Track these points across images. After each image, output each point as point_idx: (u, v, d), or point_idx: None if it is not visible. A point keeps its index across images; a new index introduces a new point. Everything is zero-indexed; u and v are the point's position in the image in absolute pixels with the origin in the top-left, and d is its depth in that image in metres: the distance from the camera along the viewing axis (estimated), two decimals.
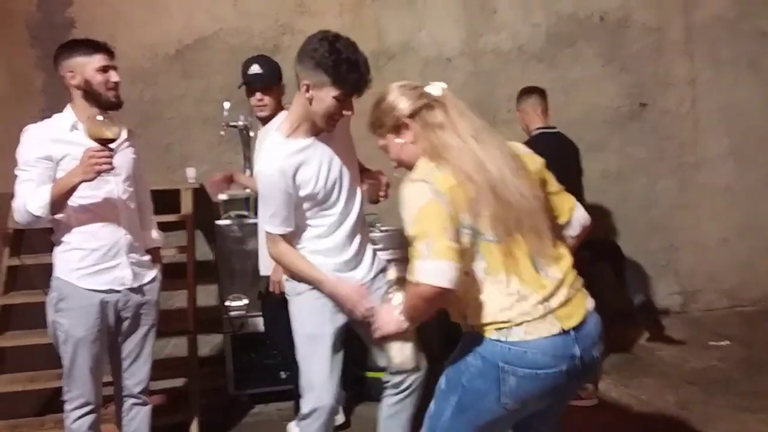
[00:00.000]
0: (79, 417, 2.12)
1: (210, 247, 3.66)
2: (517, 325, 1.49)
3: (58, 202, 1.98)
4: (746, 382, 3.24)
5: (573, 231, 1.70)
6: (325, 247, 2.01)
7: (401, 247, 3.16)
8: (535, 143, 2.62)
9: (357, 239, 2.06)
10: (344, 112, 1.88)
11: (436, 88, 1.61)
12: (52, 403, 2.96)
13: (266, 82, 2.68)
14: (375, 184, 2.18)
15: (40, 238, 2.76)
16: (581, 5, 4.33)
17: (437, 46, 4.17)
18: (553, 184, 1.67)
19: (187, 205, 3.28)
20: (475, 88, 4.14)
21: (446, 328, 1.82)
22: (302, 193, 1.92)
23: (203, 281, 3.26)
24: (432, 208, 1.45)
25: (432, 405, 1.66)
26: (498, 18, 4.24)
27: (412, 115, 1.60)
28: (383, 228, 3.36)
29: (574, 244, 1.70)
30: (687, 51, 4.48)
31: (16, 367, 2.90)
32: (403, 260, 3.31)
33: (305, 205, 1.95)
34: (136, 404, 2.26)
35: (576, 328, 1.52)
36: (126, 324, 2.18)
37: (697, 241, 4.52)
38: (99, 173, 1.94)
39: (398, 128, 1.62)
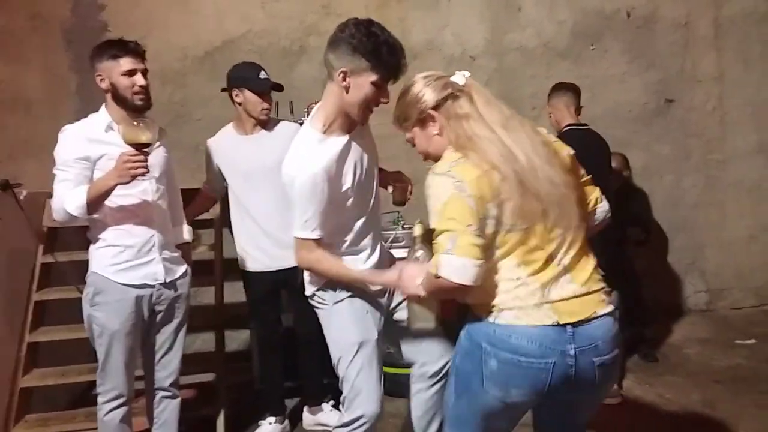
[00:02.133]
0: (112, 410, 2.19)
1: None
2: (509, 309, 1.46)
3: (95, 203, 2.04)
4: None
5: (594, 222, 1.68)
6: (352, 248, 1.97)
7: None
8: (565, 139, 2.62)
9: (371, 236, 2.03)
10: (381, 100, 1.84)
11: (460, 78, 1.59)
12: (83, 397, 3.05)
13: (274, 88, 2.75)
14: (402, 187, 2.18)
15: (75, 236, 2.85)
16: (608, 1, 4.30)
17: (461, 45, 4.18)
18: (582, 174, 1.65)
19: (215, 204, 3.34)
20: (499, 86, 4.14)
21: None
22: (337, 194, 1.87)
23: (231, 278, 3.32)
24: (456, 203, 1.43)
25: (448, 383, 1.67)
26: (523, 15, 4.23)
27: (437, 107, 1.57)
28: (406, 225, 3.39)
29: (590, 234, 1.66)
30: (715, 46, 4.42)
31: (48, 362, 2.98)
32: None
33: (336, 206, 1.88)
34: (166, 397, 2.33)
35: (575, 326, 1.45)
36: (159, 317, 2.25)
37: (724, 239, 4.46)
38: (134, 177, 1.99)
39: (424, 121, 1.61)
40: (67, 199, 2.04)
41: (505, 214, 1.46)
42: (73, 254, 2.99)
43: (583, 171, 1.65)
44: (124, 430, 2.22)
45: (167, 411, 2.34)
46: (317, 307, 2.03)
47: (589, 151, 2.86)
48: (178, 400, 2.37)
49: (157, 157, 2.23)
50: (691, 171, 4.42)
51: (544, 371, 1.44)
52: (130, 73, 2.13)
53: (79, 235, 2.27)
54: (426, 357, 2.05)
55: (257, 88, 2.71)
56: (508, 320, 1.46)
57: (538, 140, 1.54)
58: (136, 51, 2.16)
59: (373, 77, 1.77)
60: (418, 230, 1.70)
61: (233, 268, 3.02)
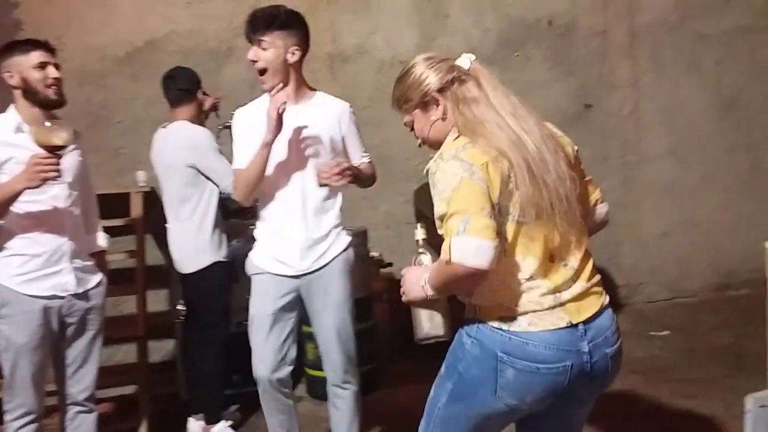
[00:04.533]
0: (20, 427, 2.07)
1: (161, 251, 3.62)
2: (522, 314, 1.40)
3: (0, 209, 1.94)
4: (686, 370, 3.40)
5: (593, 222, 1.62)
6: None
7: (356, 246, 3.23)
8: None
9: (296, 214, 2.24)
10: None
11: (465, 61, 1.51)
12: None
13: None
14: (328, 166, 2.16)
15: None
16: (530, 10, 4.45)
17: (391, 49, 4.22)
18: (585, 172, 1.58)
19: (137, 208, 3.25)
20: None
21: None
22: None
23: (154, 286, 3.23)
24: (467, 187, 1.34)
25: (432, 390, 1.57)
26: (450, 22, 4.32)
27: (442, 90, 1.49)
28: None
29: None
30: (630, 54, 4.65)
31: None
32: (359, 258, 3.34)
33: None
34: (81, 412, 2.23)
35: (585, 322, 1.43)
36: (71, 330, 2.15)
37: (640, 236, 4.70)
38: (44, 181, 1.90)
39: (426, 104, 1.52)
40: None
41: (513, 203, 1.39)
42: None
43: (584, 169, 1.60)
44: None
45: (82, 426, 2.24)
46: None
47: None
48: (95, 414, 2.27)
49: (70, 160, 2.13)
50: (609, 172, 4.63)
51: (563, 374, 1.40)
52: (42, 65, 2.05)
53: None
54: (329, 368, 2.11)
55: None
56: (523, 327, 1.40)
57: (546, 132, 1.49)
58: (47, 45, 2.10)
59: None
60: (420, 233, 1.59)
61: (155, 275, 2.94)
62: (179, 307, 2.92)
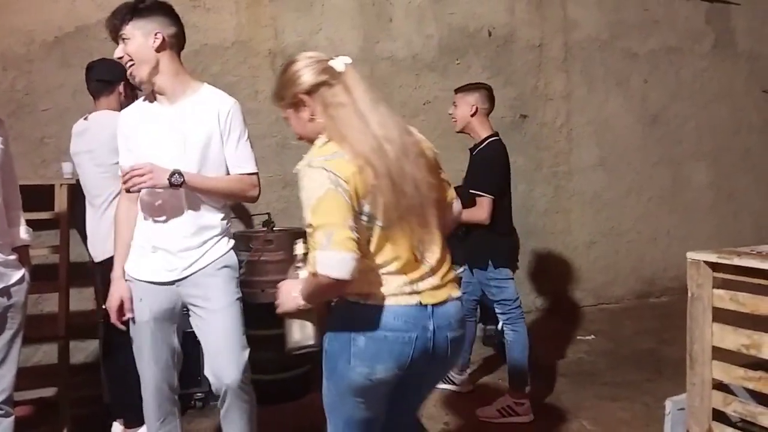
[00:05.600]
0: None
1: (86, 247, 3.45)
2: (380, 294, 1.53)
3: None
4: (610, 373, 3.55)
5: (447, 222, 1.73)
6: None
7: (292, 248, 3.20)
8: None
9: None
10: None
11: (340, 63, 1.56)
12: None
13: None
14: None
15: None
16: (472, 20, 4.55)
17: (334, 49, 4.20)
18: (443, 173, 1.69)
19: (61, 202, 3.08)
20: None
21: None
22: None
23: (77, 284, 3.07)
24: (331, 199, 1.43)
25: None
26: (393, 26, 4.36)
27: (310, 92, 1.55)
28: (276, 228, 3.34)
29: (447, 231, 1.74)
30: (564, 68, 4.84)
31: None
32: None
33: None
34: None
35: (434, 306, 1.56)
36: None
37: (568, 243, 4.90)
38: None
39: (296, 104, 1.59)
40: None
41: (377, 210, 1.49)
42: None
43: (442, 169, 1.71)
44: None
45: None
46: None
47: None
48: (12, 418, 2.12)
49: None
50: (541, 181, 4.80)
51: (408, 345, 1.52)
52: None
53: None
54: (214, 378, 2.06)
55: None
56: (377, 301, 1.52)
57: (410, 140, 1.56)
58: None
59: None
60: (300, 249, 1.65)
61: (79, 272, 2.80)
62: (105, 306, 2.79)
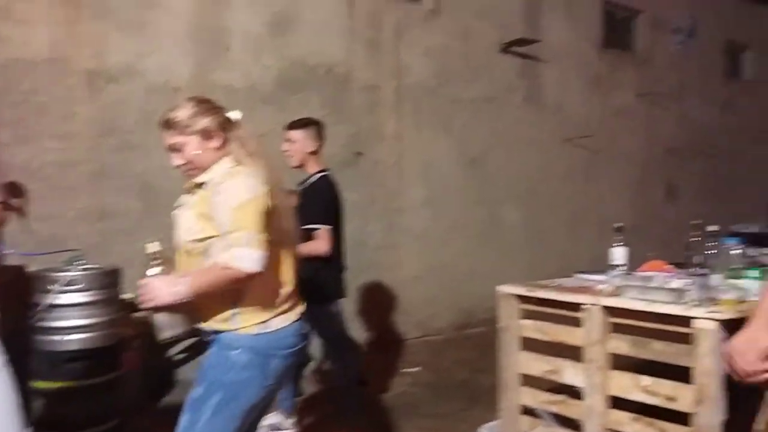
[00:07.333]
0: None
1: None
2: (275, 316, 1.78)
3: None
4: (432, 404, 3.74)
5: None
6: None
7: (104, 287, 2.91)
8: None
9: None
10: None
11: (236, 114, 1.86)
12: None
13: None
14: None
15: None
16: (310, 55, 4.63)
17: (165, 74, 4.02)
18: None
19: None
20: None
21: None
22: None
23: None
24: (258, 203, 1.69)
25: (183, 419, 1.74)
26: (230, 55, 4.28)
27: (224, 127, 1.81)
28: (86, 266, 3.02)
29: None
30: (396, 110, 5.11)
31: None
32: (106, 301, 3.03)
33: None
34: None
35: (297, 320, 1.88)
36: None
37: (397, 278, 5.12)
38: None
39: (208, 133, 1.79)
40: None
41: (275, 229, 1.75)
42: None
43: None
44: None
45: None
46: None
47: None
48: None
49: None
50: (375, 217, 4.98)
51: (298, 354, 1.86)
52: None
53: None
54: None
55: None
56: (279, 325, 1.79)
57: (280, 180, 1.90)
58: None
59: None
60: (152, 248, 1.73)
61: None
62: None
